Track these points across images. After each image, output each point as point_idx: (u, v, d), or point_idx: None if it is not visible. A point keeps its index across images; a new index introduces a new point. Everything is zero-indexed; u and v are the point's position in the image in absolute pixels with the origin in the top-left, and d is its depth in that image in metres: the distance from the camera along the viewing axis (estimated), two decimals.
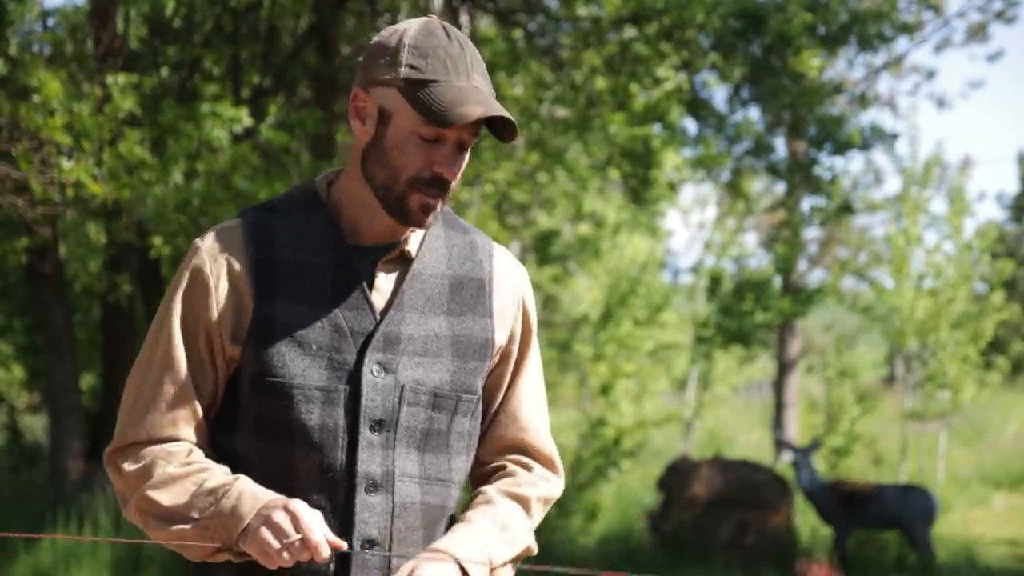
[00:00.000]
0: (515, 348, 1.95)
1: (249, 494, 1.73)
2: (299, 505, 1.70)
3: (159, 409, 1.81)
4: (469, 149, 1.84)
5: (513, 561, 1.90)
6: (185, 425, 1.81)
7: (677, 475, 9.14)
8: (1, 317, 11.56)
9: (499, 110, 1.76)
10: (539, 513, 1.97)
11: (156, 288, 8.82)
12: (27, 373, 12.17)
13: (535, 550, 1.95)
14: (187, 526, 1.75)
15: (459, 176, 1.84)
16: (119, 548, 7.17)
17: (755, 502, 8.84)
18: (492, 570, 1.85)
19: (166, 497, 1.77)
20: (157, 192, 6.21)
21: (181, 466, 1.78)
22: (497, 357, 1.94)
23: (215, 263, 1.82)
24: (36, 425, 12.70)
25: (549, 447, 1.99)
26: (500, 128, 1.81)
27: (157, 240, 6.41)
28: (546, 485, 1.97)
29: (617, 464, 9.97)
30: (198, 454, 1.82)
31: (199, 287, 1.82)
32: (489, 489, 1.92)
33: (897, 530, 8.72)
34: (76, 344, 9.07)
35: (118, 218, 6.76)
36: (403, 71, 1.77)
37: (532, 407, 1.97)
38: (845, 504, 8.58)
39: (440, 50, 1.78)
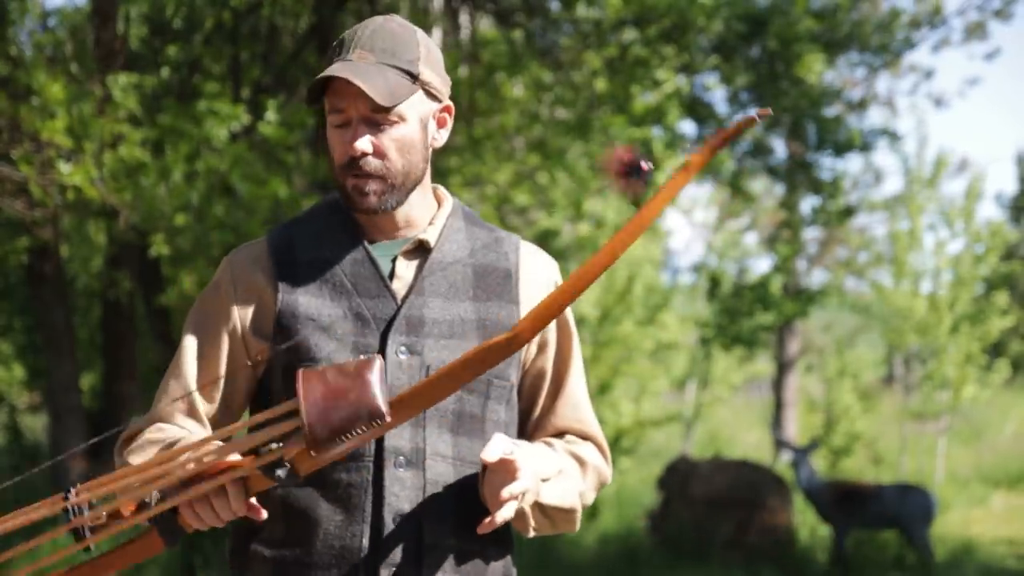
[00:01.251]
0: (552, 339, 1.98)
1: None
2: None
3: (162, 404, 1.90)
4: (399, 123, 1.84)
5: (553, 515, 1.91)
6: (183, 418, 1.89)
7: (677, 475, 9.14)
8: (2, 317, 11.56)
9: (347, 73, 1.79)
10: (591, 482, 1.99)
11: (156, 287, 8.83)
12: (27, 373, 12.18)
13: (576, 526, 1.95)
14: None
15: (394, 153, 1.85)
16: None
17: (755, 502, 8.85)
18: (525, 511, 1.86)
19: (138, 458, 1.83)
20: (157, 193, 6.22)
21: (162, 433, 1.85)
22: (534, 348, 1.97)
23: (237, 272, 1.91)
24: (36, 425, 12.71)
25: (605, 441, 2.04)
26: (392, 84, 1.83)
27: (157, 239, 6.41)
28: (602, 460, 2.01)
29: (616, 464, 9.98)
30: (185, 431, 1.88)
31: (220, 297, 1.91)
32: (552, 440, 1.97)
33: (896, 529, 8.73)
34: (76, 344, 9.08)
35: (117, 218, 6.78)
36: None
37: (587, 402, 2.03)
38: (844, 503, 8.58)
39: (342, 37, 1.87)
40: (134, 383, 8.96)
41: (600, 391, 10.57)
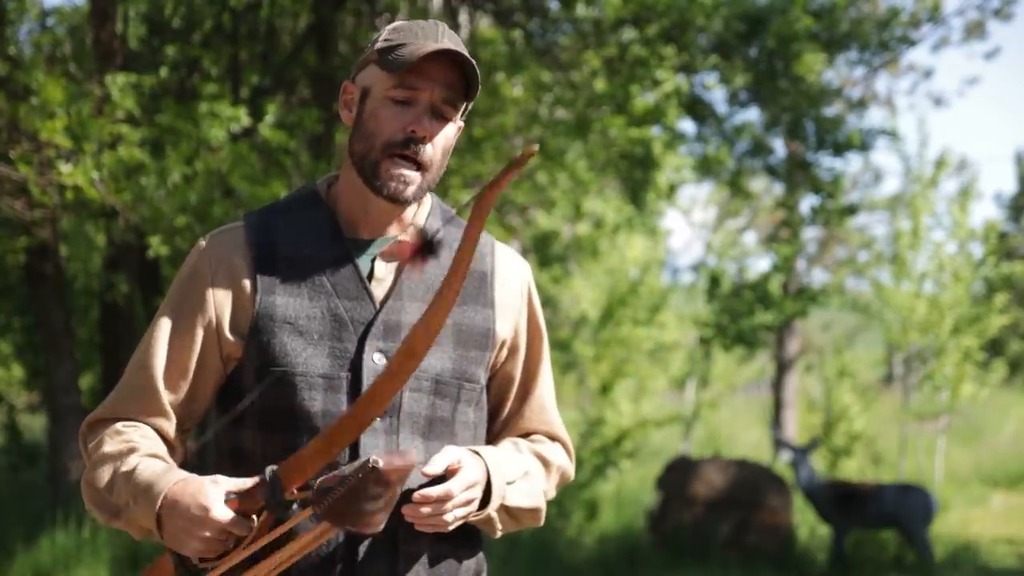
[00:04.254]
0: (523, 343, 1.99)
1: (143, 493, 1.74)
2: (193, 499, 1.69)
3: (128, 393, 1.89)
4: (451, 122, 1.85)
5: (520, 515, 1.93)
6: (148, 413, 1.87)
7: (676, 474, 9.14)
8: (1, 316, 11.55)
9: (455, 47, 1.79)
10: (554, 482, 2.02)
11: (155, 288, 8.82)
12: (27, 372, 12.16)
13: (541, 521, 1.98)
14: (119, 521, 1.81)
15: (440, 150, 1.85)
16: (117, 547, 7.18)
17: (754, 501, 8.84)
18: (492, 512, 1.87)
19: (99, 481, 1.81)
20: (158, 194, 6.21)
21: (117, 443, 1.82)
22: (505, 352, 1.97)
23: (215, 262, 1.87)
24: (35, 424, 12.71)
25: (569, 441, 2.06)
26: (470, 84, 1.83)
27: (155, 240, 6.41)
28: (566, 460, 2.04)
29: (616, 464, 9.97)
30: (142, 431, 1.85)
31: (197, 286, 1.87)
32: (518, 440, 1.99)
33: (895, 529, 8.72)
34: (76, 343, 9.07)
35: (116, 219, 6.76)
36: (378, 45, 1.84)
37: (553, 404, 2.04)
38: (844, 503, 8.58)
39: (414, 25, 1.85)
40: None
41: (601, 391, 10.57)
